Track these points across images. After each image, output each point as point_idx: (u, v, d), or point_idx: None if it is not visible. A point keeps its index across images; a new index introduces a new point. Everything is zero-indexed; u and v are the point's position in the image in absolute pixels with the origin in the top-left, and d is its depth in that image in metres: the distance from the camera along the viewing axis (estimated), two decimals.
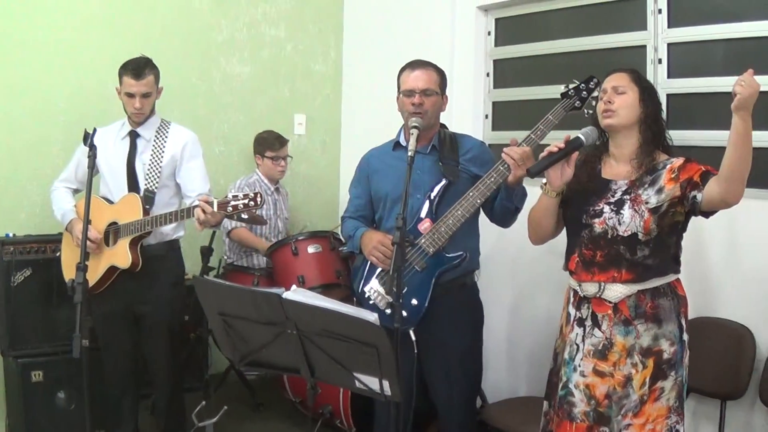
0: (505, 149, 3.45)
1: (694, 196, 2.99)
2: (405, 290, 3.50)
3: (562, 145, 3.19)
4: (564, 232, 3.43)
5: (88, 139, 3.81)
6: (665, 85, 4.31)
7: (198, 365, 5.22)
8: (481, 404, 4.77)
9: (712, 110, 4.23)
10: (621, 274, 3.10)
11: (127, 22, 5.47)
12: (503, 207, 3.72)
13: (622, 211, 3.10)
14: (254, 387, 5.68)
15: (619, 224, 3.09)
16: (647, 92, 3.21)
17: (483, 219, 3.90)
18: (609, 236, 3.12)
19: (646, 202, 3.07)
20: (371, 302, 3.72)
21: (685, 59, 4.39)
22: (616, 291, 3.11)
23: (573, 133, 3.24)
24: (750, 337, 3.86)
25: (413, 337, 3.51)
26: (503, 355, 5.23)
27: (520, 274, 5.13)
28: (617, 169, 3.25)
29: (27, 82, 5.08)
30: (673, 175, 3.07)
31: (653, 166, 3.14)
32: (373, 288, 3.75)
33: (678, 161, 3.11)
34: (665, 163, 3.13)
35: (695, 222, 3.15)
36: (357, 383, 2.82)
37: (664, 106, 3.43)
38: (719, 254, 4.07)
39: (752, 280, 3.95)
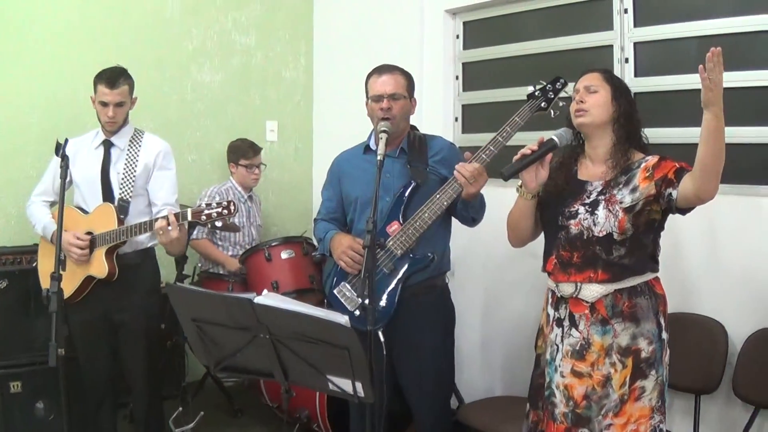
0: (456, 167, 3.48)
1: (670, 194, 2.99)
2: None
3: (536, 147, 3.21)
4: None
5: (59, 149, 3.80)
6: (632, 84, 4.30)
7: (175, 373, 5.21)
8: (458, 404, 4.81)
9: (679, 108, 4.27)
10: (597, 275, 3.09)
11: (98, 33, 5.46)
12: (461, 216, 3.79)
13: (596, 212, 3.10)
14: (232, 393, 5.68)
15: (594, 225, 3.09)
16: (619, 91, 3.21)
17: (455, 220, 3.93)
18: (585, 237, 3.12)
19: (620, 202, 3.07)
20: (342, 304, 3.73)
21: (651, 58, 4.44)
22: (592, 290, 3.10)
23: (547, 134, 3.26)
24: (723, 332, 3.90)
25: (381, 338, 3.51)
26: (478, 355, 5.25)
27: (492, 273, 5.15)
28: (593, 170, 3.25)
29: None
30: (647, 174, 3.07)
31: (628, 166, 3.14)
32: (343, 291, 3.76)
33: (652, 160, 3.11)
34: (640, 162, 3.13)
35: (672, 217, 3.15)
36: (330, 385, 2.82)
37: None
38: (695, 250, 4.10)
39: (727, 275, 3.98)
